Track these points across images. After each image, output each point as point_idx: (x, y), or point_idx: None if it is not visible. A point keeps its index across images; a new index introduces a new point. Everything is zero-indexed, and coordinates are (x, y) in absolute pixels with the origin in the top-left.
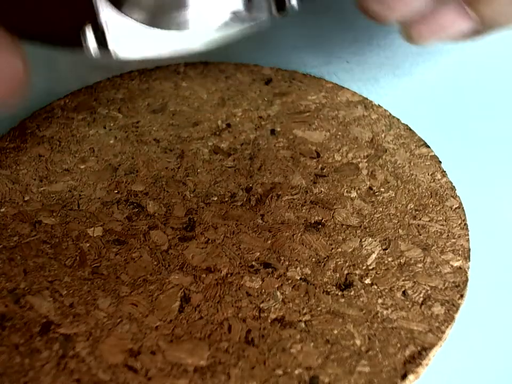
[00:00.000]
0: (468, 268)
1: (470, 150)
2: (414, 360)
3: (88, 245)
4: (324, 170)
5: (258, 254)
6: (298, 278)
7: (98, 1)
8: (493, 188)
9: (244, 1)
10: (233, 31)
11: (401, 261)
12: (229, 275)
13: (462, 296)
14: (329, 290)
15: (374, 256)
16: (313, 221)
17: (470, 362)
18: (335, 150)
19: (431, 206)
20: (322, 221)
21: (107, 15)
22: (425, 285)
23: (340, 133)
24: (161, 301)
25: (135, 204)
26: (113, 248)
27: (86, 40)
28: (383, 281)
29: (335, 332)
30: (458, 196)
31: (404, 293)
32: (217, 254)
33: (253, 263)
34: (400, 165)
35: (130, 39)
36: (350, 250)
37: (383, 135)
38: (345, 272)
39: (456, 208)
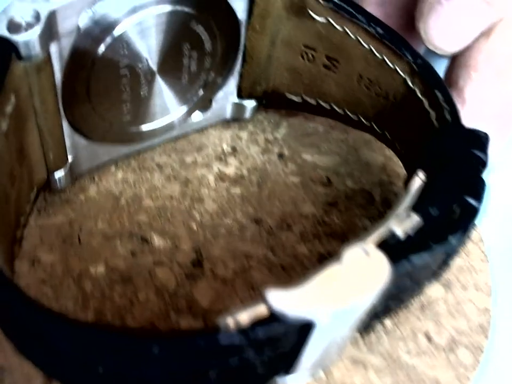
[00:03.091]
0: (491, 306)
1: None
2: None
3: (90, 284)
4: (335, 198)
5: None
6: None
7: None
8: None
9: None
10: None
11: (423, 300)
12: None
13: (486, 337)
14: None
15: None
16: (326, 254)
17: None
18: (346, 175)
19: None
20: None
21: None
22: (449, 326)
23: (350, 157)
24: None
25: (139, 237)
26: (117, 288)
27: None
28: (405, 324)
29: (357, 381)
30: (478, 227)
31: (428, 336)
32: (227, 293)
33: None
34: None
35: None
36: None
37: (395, 160)
38: None
39: (476, 240)
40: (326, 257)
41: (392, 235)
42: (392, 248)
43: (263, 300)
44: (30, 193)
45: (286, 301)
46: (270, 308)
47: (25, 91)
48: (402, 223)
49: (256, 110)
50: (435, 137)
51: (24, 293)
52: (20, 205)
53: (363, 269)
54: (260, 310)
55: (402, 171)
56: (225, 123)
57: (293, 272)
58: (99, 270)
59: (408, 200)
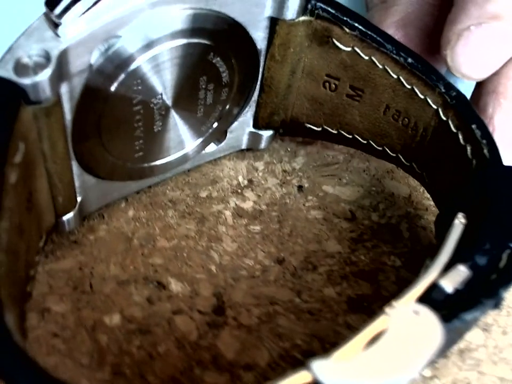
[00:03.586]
0: None
1: None
2: None
3: (106, 337)
4: (361, 234)
5: (300, 341)
6: None
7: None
8: None
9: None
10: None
11: (461, 345)
12: (269, 370)
13: None
14: None
15: None
16: (356, 298)
17: None
18: (371, 209)
19: None
20: (367, 297)
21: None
22: (491, 375)
23: (373, 188)
24: None
25: (155, 283)
26: (135, 341)
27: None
28: (444, 373)
29: None
30: None
31: None
32: (253, 344)
33: (295, 353)
34: None
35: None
36: None
37: (421, 190)
38: None
39: None
40: (356, 300)
41: (440, 290)
42: (442, 305)
43: (310, 371)
44: (39, 242)
45: (335, 376)
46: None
47: (34, 136)
48: (449, 275)
49: (272, 138)
50: (474, 176)
51: (38, 365)
52: (30, 257)
53: (412, 332)
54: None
55: (428, 202)
56: (240, 152)
57: (322, 318)
58: (114, 320)
59: (450, 247)
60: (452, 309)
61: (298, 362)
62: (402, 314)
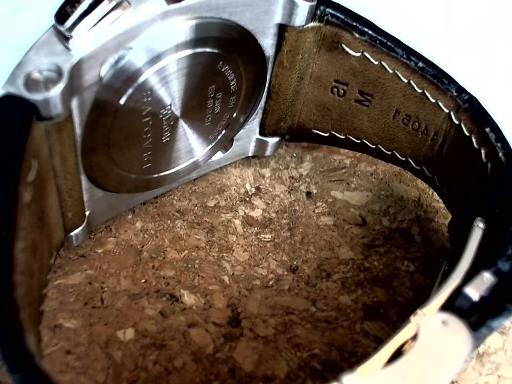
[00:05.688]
0: None
1: None
2: None
3: (120, 353)
4: (373, 240)
5: (318, 351)
6: None
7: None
8: None
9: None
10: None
11: (479, 350)
12: (288, 382)
13: None
14: None
15: None
16: (372, 304)
17: None
18: (381, 213)
19: None
20: (382, 303)
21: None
22: (511, 379)
23: (382, 192)
24: None
25: (167, 295)
26: (150, 355)
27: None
28: (465, 378)
29: None
30: None
31: None
32: (271, 355)
33: (314, 363)
34: None
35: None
36: None
37: (430, 192)
38: None
39: None
40: (372, 307)
41: (465, 297)
42: (468, 313)
43: None
44: (50, 260)
45: None
46: None
47: (46, 153)
48: (474, 282)
49: (279, 145)
50: (490, 180)
51: None
52: (42, 276)
53: (442, 342)
54: None
55: (438, 205)
56: (246, 160)
57: (339, 327)
58: (128, 335)
59: (471, 253)
60: (479, 317)
61: (318, 372)
62: (430, 323)
